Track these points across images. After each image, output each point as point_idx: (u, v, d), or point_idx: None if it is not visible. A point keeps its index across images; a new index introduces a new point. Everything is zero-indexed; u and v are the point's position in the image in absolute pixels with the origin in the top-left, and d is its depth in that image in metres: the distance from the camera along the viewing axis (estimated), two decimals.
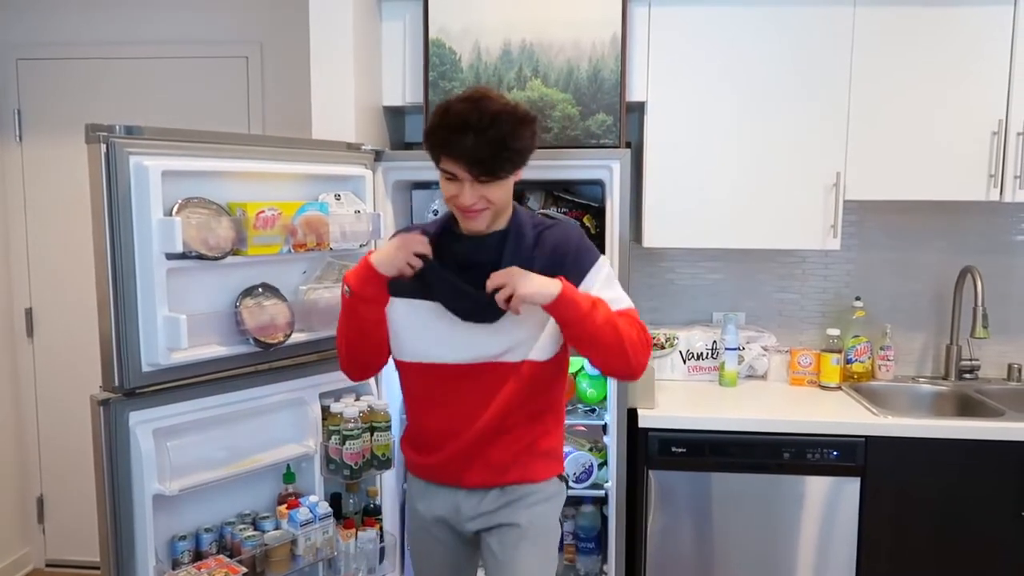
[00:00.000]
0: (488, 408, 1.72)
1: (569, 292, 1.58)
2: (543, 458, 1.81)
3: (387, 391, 2.42)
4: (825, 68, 2.52)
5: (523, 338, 1.71)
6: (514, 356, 1.71)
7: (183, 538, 1.92)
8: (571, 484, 2.48)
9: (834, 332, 2.79)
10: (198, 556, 1.93)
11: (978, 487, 2.39)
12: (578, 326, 1.59)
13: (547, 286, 1.57)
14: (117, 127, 1.72)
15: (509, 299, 1.57)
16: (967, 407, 2.73)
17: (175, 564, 1.90)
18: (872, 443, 2.40)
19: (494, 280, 1.58)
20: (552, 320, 1.66)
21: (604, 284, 1.71)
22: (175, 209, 1.78)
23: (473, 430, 1.74)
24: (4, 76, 3.21)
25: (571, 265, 1.69)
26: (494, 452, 1.75)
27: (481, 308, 1.66)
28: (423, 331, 1.74)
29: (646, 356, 1.68)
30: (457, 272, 1.68)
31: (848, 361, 2.84)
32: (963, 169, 2.53)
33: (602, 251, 2.34)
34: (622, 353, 1.62)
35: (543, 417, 1.80)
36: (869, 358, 2.85)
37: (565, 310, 1.58)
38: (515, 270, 1.59)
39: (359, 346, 1.80)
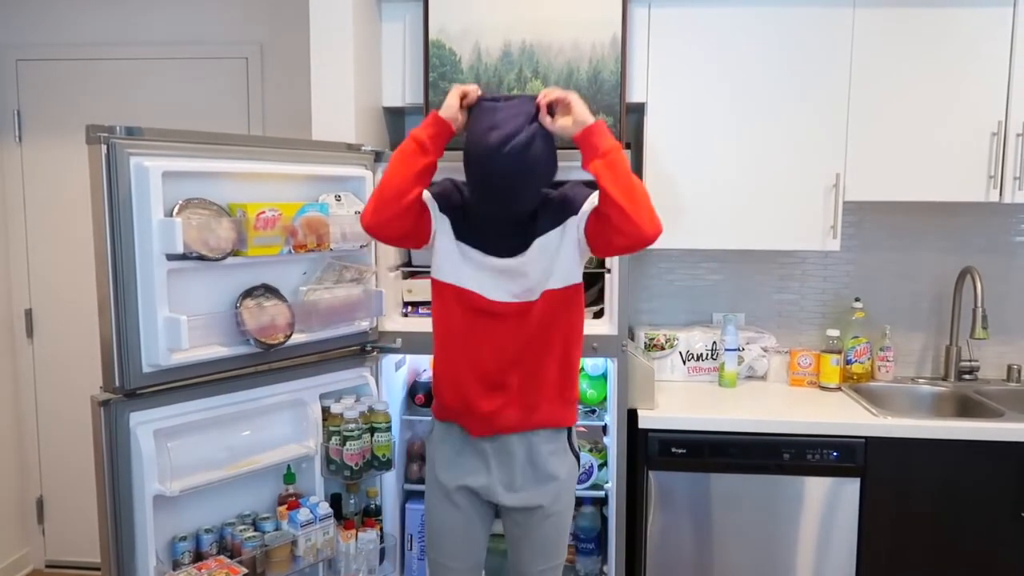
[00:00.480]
0: (512, 345, 1.92)
1: (603, 125, 1.85)
2: (568, 406, 2.01)
3: (387, 392, 2.44)
4: (825, 69, 2.53)
5: (540, 279, 1.90)
6: (533, 295, 1.91)
7: (183, 539, 1.93)
8: None
9: (834, 333, 2.80)
10: (198, 557, 1.95)
11: (978, 488, 2.40)
12: (609, 155, 1.80)
13: (587, 113, 1.83)
14: (118, 128, 1.73)
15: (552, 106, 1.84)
16: (967, 408, 2.74)
17: (175, 565, 1.91)
18: (872, 444, 2.41)
19: (551, 93, 1.84)
20: (563, 253, 1.89)
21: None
22: (175, 210, 1.80)
23: (500, 366, 1.92)
24: (3, 77, 3.22)
25: (571, 200, 1.92)
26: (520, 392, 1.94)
27: (507, 242, 1.91)
28: (461, 263, 1.93)
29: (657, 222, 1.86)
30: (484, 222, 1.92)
31: (848, 362, 2.85)
32: (963, 170, 2.55)
33: None
34: (645, 198, 1.82)
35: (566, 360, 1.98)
36: (869, 359, 2.86)
37: (599, 137, 1.82)
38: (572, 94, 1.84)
39: (396, 190, 1.86)
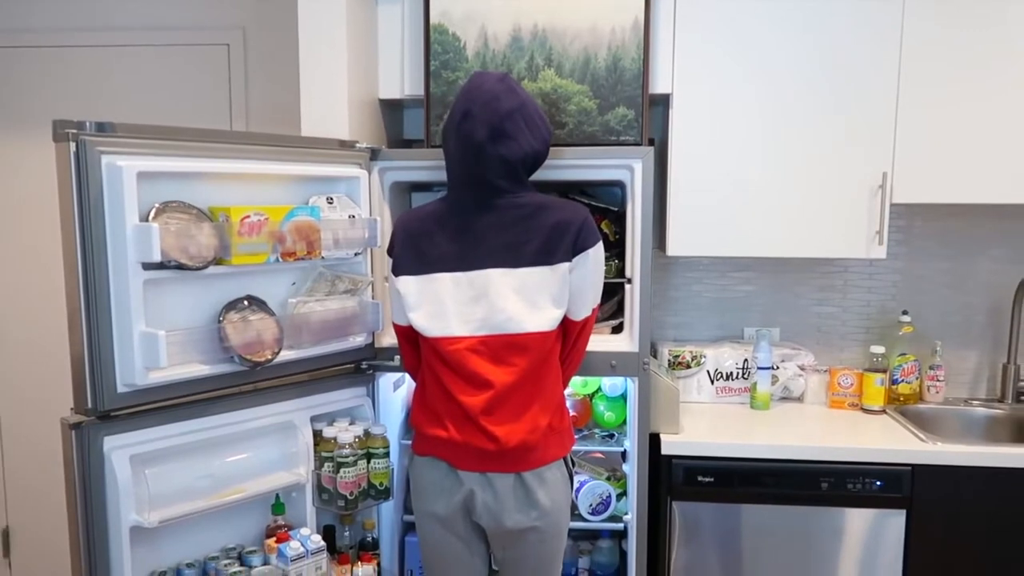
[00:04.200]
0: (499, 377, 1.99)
1: None
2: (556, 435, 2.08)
3: (385, 415, 2.44)
4: (870, 59, 2.53)
5: (520, 310, 1.99)
6: (516, 327, 1.99)
7: (163, 574, 1.95)
8: (587, 516, 2.50)
9: (878, 350, 2.80)
10: None
11: None
12: None
13: None
14: (88, 124, 1.74)
15: None
16: None
17: None
18: (919, 472, 2.41)
19: None
20: (553, 290, 2.00)
21: (592, 271, 2.04)
22: (152, 214, 1.81)
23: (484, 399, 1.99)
24: None
25: (569, 241, 1.98)
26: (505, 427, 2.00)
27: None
28: (438, 305, 2.03)
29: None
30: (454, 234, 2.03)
31: (894, 382, 2.85)
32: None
33: (622, 260, 2.38)
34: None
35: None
36: (917, 378, 2.86)
37: None
38: None
39: None
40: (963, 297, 2.95)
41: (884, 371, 2.79)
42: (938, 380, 2.86)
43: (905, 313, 2.88)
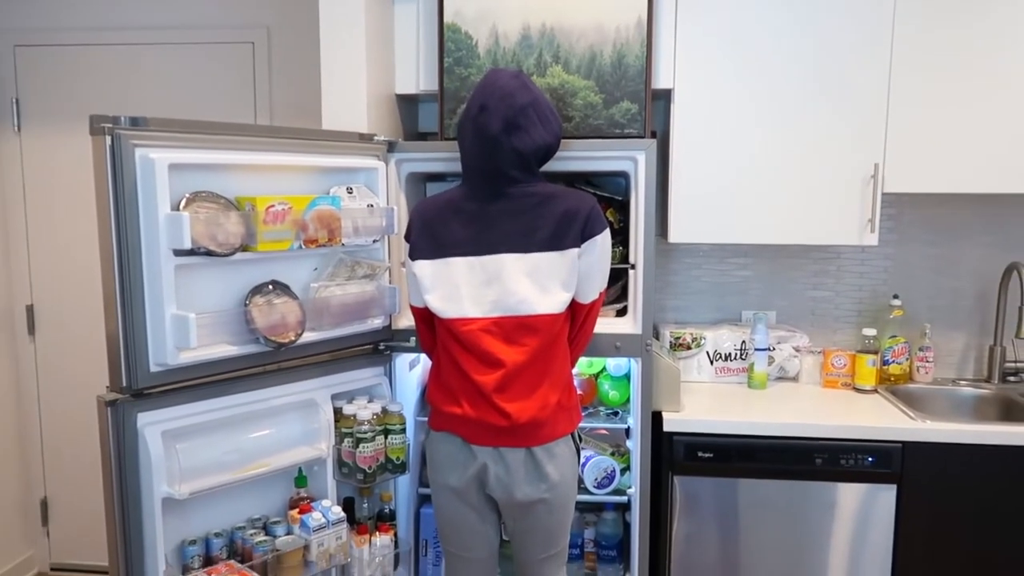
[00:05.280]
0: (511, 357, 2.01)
1: None
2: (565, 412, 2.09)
3: (401, 393, 2.46)
4: (863, 54, 2.52)
5: (531, 293, 2.00)
6: (527, 309, 2.00)
7: (193, 543, 1.97)
8: (592, 489, 2.52)
9: (870, 332, 2.80)
10: (208, 561, 1.98)
11: (1021, 496, 2.40)
12: None
13: None
14: (122, 119, 1.75)
15: None
16: (1010, 411, 2.74)
17: (185, 569, 1.95)
18: (909, 449, 2.41)
19: None
20: (563, 275, 2.01)
21: (600, 257, 2.04)
22: (182, 204, 1.82)
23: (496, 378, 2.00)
24: (2, 63, 3.27)
25: (578, 228, 1.99)
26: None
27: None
28: (453, 288, 2.03)
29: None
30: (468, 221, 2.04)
31: (885, 363, 2.85)
32: (1010, 160, 2.53)
33: (626, 247, 2.39)
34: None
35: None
36: (907, 359, 2.86)
37: None
38: None
39: None
40: (951, 282, 2.95)
41: (875, 352, 2.79)
42: (927, 361, 2.86)
43: (896, 297, 2.87)
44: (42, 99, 3.29)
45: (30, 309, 3.40)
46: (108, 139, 1.74)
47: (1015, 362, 2.88)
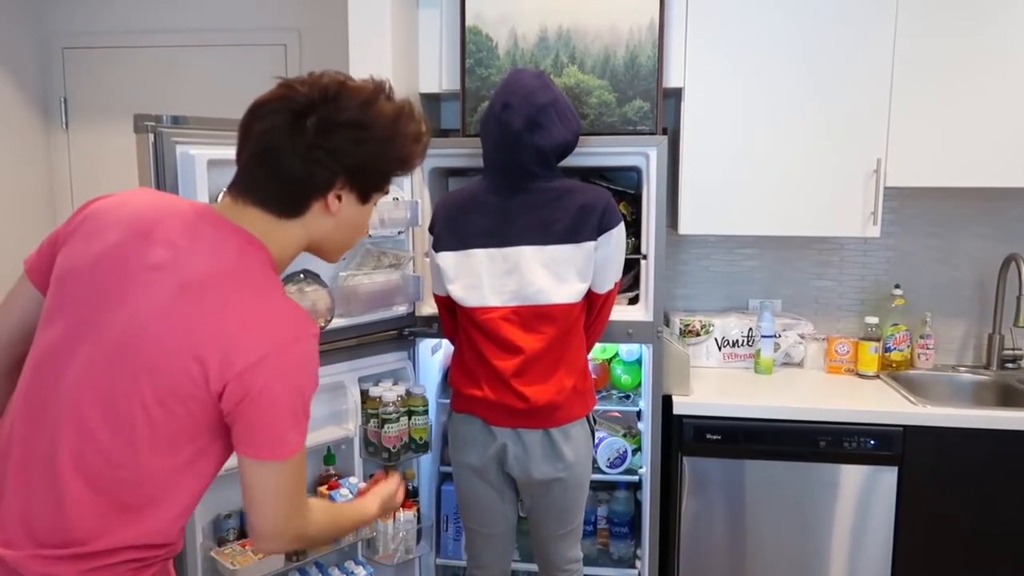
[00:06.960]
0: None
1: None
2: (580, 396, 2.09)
3: (424, 377, 2.48)
4: (867, 52, 2.49)
5: (548, 284, 2.00)
6: (544, 299, 2.00)
7: (228, 516, 1.99)
8: (605, 469, 2.52)
9: (873, 320, 2.78)
10: (243, 534, 2.00)
11: (1019, 479, 2.37)
12: None
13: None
14: (164, 117, 1.77)
15: None
16: (1008, 397, 2.71)
17: (221, 542, 1.98)
18: (910, 432, 2.40)
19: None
20: (579, 266, 2.00)
21: (615, 249, 2.04)
22: (220, 197, 1.83)
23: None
24: (51, 65, 3.30)
25: (594, 222, 1.99)
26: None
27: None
28: (474, 278, 2.03)
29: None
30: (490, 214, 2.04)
31: (887, 349, 2.83)
32: (1008, 155, 2.50)
33: (638, 238, 2.39)
34: None
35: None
36: (908, 347, 2.84)
37: None
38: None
39: None
40: (951, 272, 2.92)
41: (878, 340, 2.77)
42: (928, 348, 2.84)
43: (897, 287, 2.85)
44: (88, 98, 3.31)
45: None
46: (151, 136, 1.76)
47: (1013, 349, 2.85)
